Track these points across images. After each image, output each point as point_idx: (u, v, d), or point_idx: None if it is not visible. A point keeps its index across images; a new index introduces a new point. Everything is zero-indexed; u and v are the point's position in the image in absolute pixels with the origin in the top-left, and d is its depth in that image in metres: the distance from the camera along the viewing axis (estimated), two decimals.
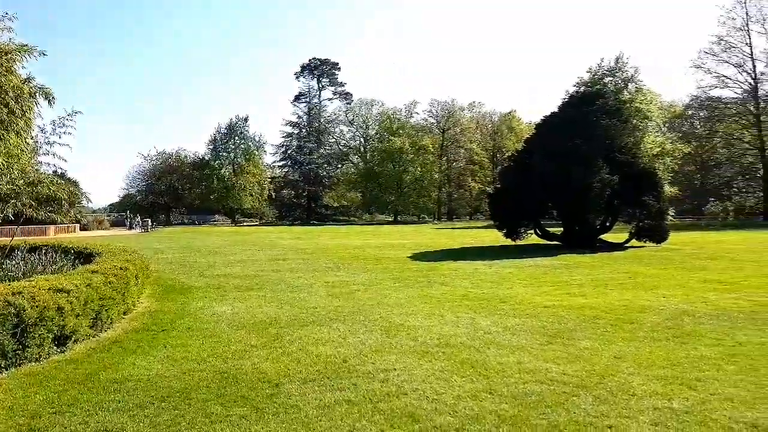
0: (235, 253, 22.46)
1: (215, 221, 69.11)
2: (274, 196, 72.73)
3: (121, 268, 9.65)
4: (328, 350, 7.37)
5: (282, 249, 24.36)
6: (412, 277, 14.45)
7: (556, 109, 24.92)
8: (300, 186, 73.35)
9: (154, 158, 72.02)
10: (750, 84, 54.96)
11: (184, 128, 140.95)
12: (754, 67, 54.41)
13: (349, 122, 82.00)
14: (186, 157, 73.63)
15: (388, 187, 70.97)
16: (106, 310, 8.43)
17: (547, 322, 8.91)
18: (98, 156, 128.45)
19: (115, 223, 54.69)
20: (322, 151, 76.64)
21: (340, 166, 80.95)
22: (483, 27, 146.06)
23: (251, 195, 68.27)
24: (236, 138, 72.16)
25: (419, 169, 70.97)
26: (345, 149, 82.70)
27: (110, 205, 75.07)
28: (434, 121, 77.85)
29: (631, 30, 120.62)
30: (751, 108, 55.18)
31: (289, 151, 75.52)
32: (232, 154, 71.08)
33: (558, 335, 8.07)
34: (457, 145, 75.71)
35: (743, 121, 56.82)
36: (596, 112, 22.90)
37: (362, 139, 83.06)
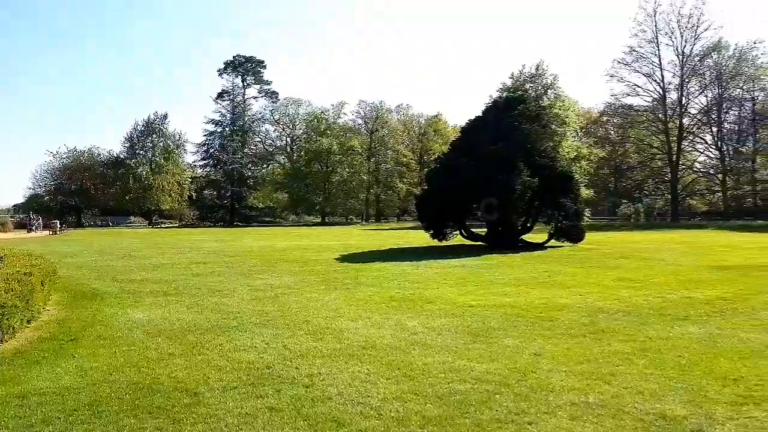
0: (152, 256, 21.51)
1: (131, 223, 65.83)
2: (195, 197, 70.41)
3: (25, 274, 8.97)
4: (250, 356, 7.15)
5: (203, 252, 23.58)
6: (339, 279, 14.34)
7: (480, 113, 25.55)
8: (223, 186, 71.26)
9: (65, 156, 68.05)
10: (659, 93, 58.71)
11: (98, 125, 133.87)
12: (663, 76, 58.21)
13: (275, 121, 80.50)
14: (99, 155, 70.08)
15: (316, 187, 70.36)
16: (7, 318, 7.79)
17: (471, 322, 9.06)
18: (1, 153, 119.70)
19: (19, 225, 51.04)
20: (246, 150, 74.89)
21: (265, 166, 79.36)
22: (411, 30, 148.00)
23: (170, 195, 65.77)
24: (155, 136, 69.29)
25: (347, 170, 70.85)
26: (271, 149, 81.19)
27: (14, 205, 70.23)
28: (362, 122, 77.99)
29: (553, 38, 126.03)
30: (660, 115, 58.92)
31: (211, 150, 73.21)
32: (149, 153, 68.17)
33: (482, 334, 8.21)
34: (385, 146, 76.14)
35: (653, 128, 60.60)
36: (518, 117, 23.69)
37: (289, 139, 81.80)
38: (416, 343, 7.72)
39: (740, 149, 59.62)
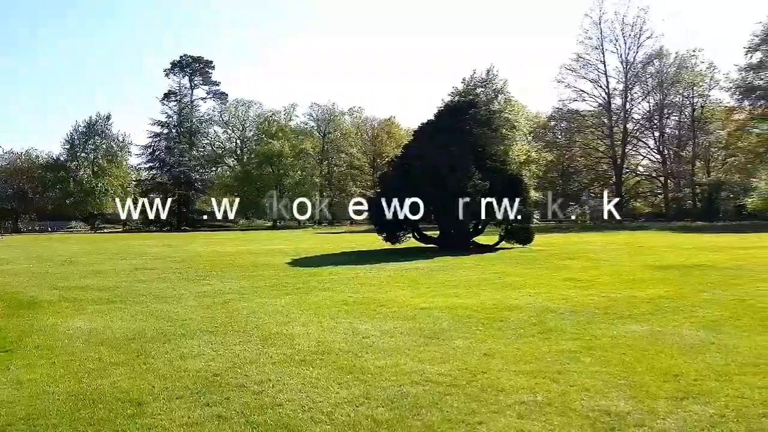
0: (95, 262, 20.73)
1: (72, 228, 63.22)
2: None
3: None
4: (198, 364, 6.97)
5: (148, 257, 22.89)
6: (291, 284, 14.16)
7: (432, 117, 25.76)
8: (170, 190, 69.36)
9: (0, 158, 64.88)
10: (604, 98, 60.79)
11: (36, 127, 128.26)
12: (608, 82, 60.36)
13: (225, 123, 78.98)
14: (38, 157, 67.11)
15: (267, 191, 69.40)
16: None
17: (423, 324, 9.09)
18: None
19: None
20: (194, 152, 73.15)
21: (214, 169, 77.79)
22: (363, 33, 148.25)
23: (114, 199, 63.60)
24: (97, 138, 66.89)
25: (299, 172, 70.21)
26: (220, 151, 79.57)
27: None
28: (315, 124, 77.44)
29: (503, 43, 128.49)
30: (605, 120, 61.00)
31: (157, 153, 71.16)
32: (91, 155, 65.73)
33: (434, 336, 8.25)
34: (338, 149, 75.87)
35: (598, 132, 62.70)
36: (469, 121, 24.01)
37: (239, 141, 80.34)
38: (369, 347, 7.69)
39: (680, 153, 62.37)
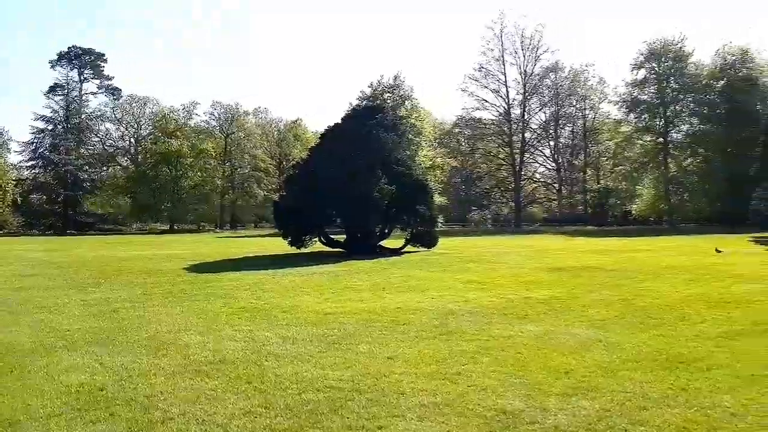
0: None
1: None
2: (20, 202, 62.68)
3: None
4: (81, 378, 6.46)
5: (29, 263, 21.02)
6: (188, 291, 13.50)
7: (340, 120, 25.67)
8: (54, 190, 63.92)
9: None
10: (504, 108, 63.59)
11: None
12: (508, 93, 63.14)
13: (118, 120, 74.11)
14: None
15: (164, 192, 66.03)
16: None
17: (327, 329, 8.96)
18: None
19: None
20: (82, 150, 68.02)
21: (105, 168, 72.89)
22: (268, 33, 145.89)
23: None
24: None
25: (199, 174, 67.37)
26: (112, 150, 74.65)
27: None
28: (217, 124, 74.78)
29: (410, 50, 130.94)
30: (505, 129, 63.80)
31: (40, 150, 65.53)
32: None
33: (337, 341, 8.15)
34: (241, 150, 73.66)
35: (499, 140, 65.55)
36: (376, 126, 24.14)
37: (133, 140, 75.61)
38: (269, 355, 7.46)
39: (573, 162, 66.54)
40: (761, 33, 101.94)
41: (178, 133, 67.02)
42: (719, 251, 20.72)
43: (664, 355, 7.13)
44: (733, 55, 50.33)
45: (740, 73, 49.00)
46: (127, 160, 74.83)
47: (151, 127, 72.40)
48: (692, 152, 52.87)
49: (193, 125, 72.44)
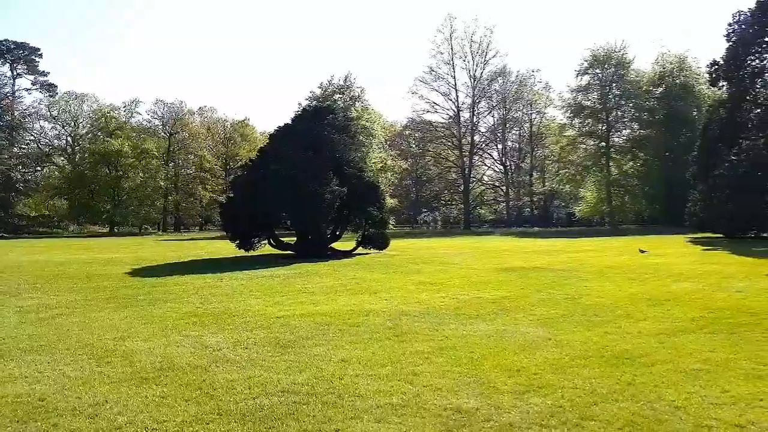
0: None
1: None
2: None
3: None
4: (19, 388, 6.14)
5: None
6: (131, 296, 13.02)
7: (290, 121, 25.37)
8: None
9: None
10: (454, 111, 64.42)
11: None
12: (457, 96, 63.92)
13: (53, 118, 70.65)
14: None
15: (103, 194, 63.57)
16: None
17: (279, 333, 8.82)
18: None
19: None
20: (15, 150, 64.64)
21: (40, 169, 69.51)
22: (214, 32, 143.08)
23: None
24: None
25: (141, 174, 65.19)
26: (47, 149, 71.13)
27: None
28: (160, 123, 72.57)
29: (360, 52, 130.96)
30: (455, 132, 64.66)
31: None
32: None
33: (290, 345, 8.03)
34: (186, 150, 71.73)
35: (449, 143, 66.39)
36: (327, 127, 23.98)
37: (70, 139, 72.27)
38: (219, 360, 7.27)
39: (520, 165, 68.11)
40: (698, 39, 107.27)
41: (118, 132, 64.70)
42: (643, 252, 21.64)
43: (610, 352, 7.36)
44: (671, 63, 52.73)
45: (678, 80, 51.33)
46: (63, 160, 71.44)
47: (89, 125, 69.58)
48: (633, 156, 55.01)
49: (134, 124, 70.10)
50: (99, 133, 65.73)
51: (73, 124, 71.06)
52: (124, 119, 68.58)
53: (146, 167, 65.53)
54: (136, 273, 17.89)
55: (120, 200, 63.94)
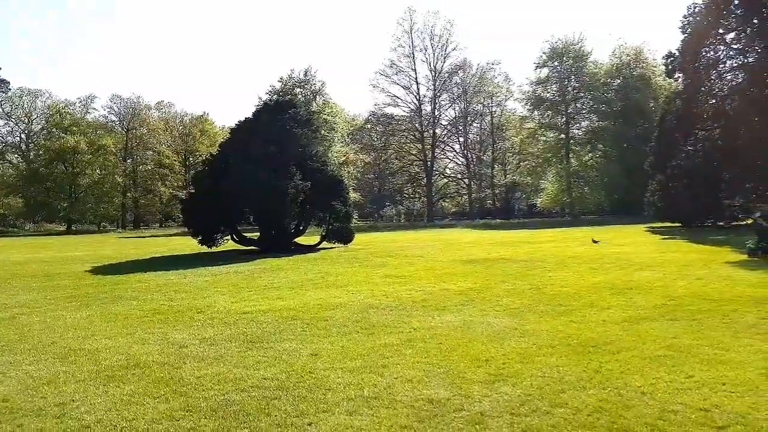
0: None
1: None
2: None
3: None
4: None
5: None
6: (93, 294, 12.71)
7: (250, 115, 25.02)
8: None
9: None
10: (416, 104, 64.71)
11: None
12: (419, 90, 64.24)
13: (6, 115, 68.15)
14: None
15: (59, 191, 61.66)
16: None
17: (246, 329, 8.75)
18: None
19: None
20: None
21: None
22: (172, 24, 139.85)
23: None
24: None
25: (98, 171, 63.42)
26: (0, 147, 68.77)
27: None
28: (116, 119, 70.71)
29: (320, 45, 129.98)
30: (417, 125, 64.90)
31: None
32: None
33: (258, 340, 7.98)
34: (144, 146, 70.14)
35: (411, 136, 66.60)
36: (289, 121, 23.75)
37: (24, 136, 69.95)
38: (187, 357, 7.18)
39: (482, 157, 68.81)
40: (654, 31, 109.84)
41: (74, 128, 62.80)
42: (596, 242, 22.21)
43: (577, 340, 7.54)
44: (628, 55, 53.96)
45: (635, 72, 52.56)
46: (17, 158, 69.07)
47: (44, 122, 67.37)
48: (592, 147, 56.22)
49: (90, 120, 68.20)
50: (54, 130, 63.71)
51: (26, 120, 68.72)
52: (79, 115, 66.65)
53: (103, 164, 63.93)
54: (98, 271, 17.46)
55: (77, 198, 62.19)
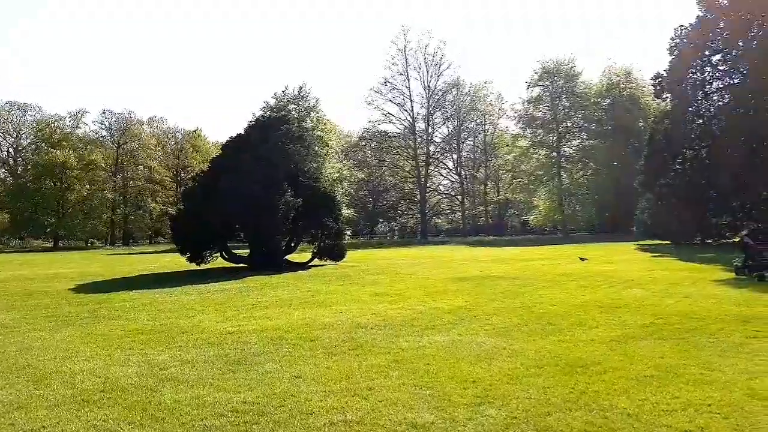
0: None
1: None
2: None
3: None
4: None
5: None
6: (74, 313, 12.44)
7: (243, 131, 24.92)
8: None
9: None
10: (409, 121, 65.09)
11: None
12: (413, 107, 64.74)
13: None
14: None
15: (47, 207, 61.09)
16: None
17: (230, 350, 8.54)
18: None
19: None
20: None
21: None
22: (166, 40, 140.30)
23: None
24: None
25: (87, 186, 62.98)
26: None
27: None
28: (107, 134, 70.42)
29: (315, 62, 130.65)
30: (410, 142, 65.20)
31: None
32: None
33: (241, 362, 7.78)
34: (135, 161, 69.81)
35: (405, 153, 66.92)
36: (281, 137, 23.66)
37: (11, 150, 69.42)
38: (166, 379, 6.97)
39: (475, 175, 69.12)
40: (643, 52, 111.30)
41: (63, 143, 62.45)
42: (583, 260, 22.18)
43: (564, 360, 7.40)
44: (618, 76, 54.71)
45: (624, 92, 53.29)
46: (4, 172, 68.57)
47: (32, 136, 66.99)
48: (583, 165, 56.70)
49: (80, 135, 67.83)
50: (43, 144, 63.33)
51: (15, 134, 68.34)
52: (69, 130, 66.30)
53: (93, 179, 63.57)
54: (81, 289, 17.17)
55: (65, 213, 61.65)
